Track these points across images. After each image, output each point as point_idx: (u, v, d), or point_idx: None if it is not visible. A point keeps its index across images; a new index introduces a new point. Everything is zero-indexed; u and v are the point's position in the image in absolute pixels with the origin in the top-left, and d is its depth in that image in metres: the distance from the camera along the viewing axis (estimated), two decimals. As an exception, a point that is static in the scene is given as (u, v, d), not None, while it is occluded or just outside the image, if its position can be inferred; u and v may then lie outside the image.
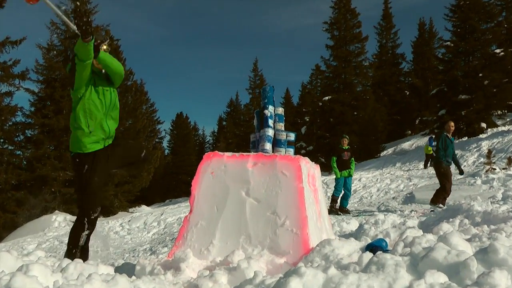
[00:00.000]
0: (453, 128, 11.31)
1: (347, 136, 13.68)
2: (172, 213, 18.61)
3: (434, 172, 20.48)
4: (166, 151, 65.17)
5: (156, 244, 11.60)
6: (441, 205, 9.93)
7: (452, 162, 11.14)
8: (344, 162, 13.15)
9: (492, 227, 4.00)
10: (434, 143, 23.96)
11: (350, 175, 13.30)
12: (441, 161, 10.95)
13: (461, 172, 11.93)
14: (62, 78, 28.76)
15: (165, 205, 30.50)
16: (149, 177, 31.99)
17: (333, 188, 13.69)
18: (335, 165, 13.17)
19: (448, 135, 11.08)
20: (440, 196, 10.66)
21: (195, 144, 69.29)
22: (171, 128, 67.41)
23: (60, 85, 28.54)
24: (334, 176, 13.73)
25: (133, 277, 3.10)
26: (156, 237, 13.56)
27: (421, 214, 9.66)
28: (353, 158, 13.53)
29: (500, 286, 2.00)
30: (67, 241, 4.28)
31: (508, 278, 2.08)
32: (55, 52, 30.16)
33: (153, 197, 42.35)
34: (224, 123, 67.71)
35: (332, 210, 12.87)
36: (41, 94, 29.37)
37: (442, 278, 2.21)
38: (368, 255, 2.79)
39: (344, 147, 13.22)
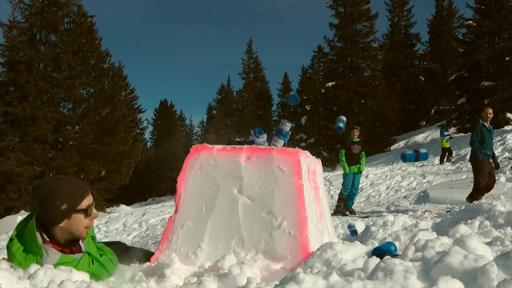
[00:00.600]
0: (491, 116, 11.10)
1: (358, 127, 13.70)
2: (155, 213, 18.66)
3: (450, 168, 20.70)
4: (149, 143, 65.39)
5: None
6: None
7: (490, 155, 11.01)
8: (353, 156, 13.19)
9: (516, 229, 4.04)
10: (446, 134, 24.06)
11: (359, 172, 13.36)
12: (477, 154, 10.82)
13: (497, 167, 11.65)
14: (27, 60, 28.54)
15: (147, 204, 30.59)
16: (129, 172, 32.00)
17: (340, 186, 13.75)
18: (344, 159, 13.20)
19: (485, 123, 10.90)
20: (475, 196, 10.51)
21: (181, 136, 69.34)
22: (154, 117, 67.53)
23: (25, 68, 28.30)
24: (338, 172, 13.79)
25: (111, 284, 3.12)
26: (137, 240, 13.61)
27: (436, 215, 9.71)
28: (363, 153, 13.57)
29: (522, 294, 2.03)
30: None
31: (531, 285, 2.12)
32: (18, 30, 29.78)
33: (133, 196, 42.43)
34: (214, 112, 67.70)
35: (338, 211, 12.95)
36: (3, 78, 29.04)
37: (458, 285, 2.24)
38: (375, 261, 2.82)
39: (354, 140, 13.28)
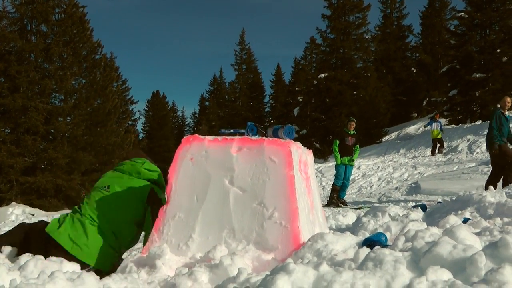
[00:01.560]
0: (509, 104, 11.01)
1: (354, 120, 13.65)
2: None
3: (442, 160, 20.77)
4: (141, 135, 65.08)
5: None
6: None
7: (507, 142, 10.87)
8: (346, 147, 13.21)
9: (506, 219, 4.06)
10: (433, 124, 24.11)
11: (351, 163, 13.35)
12: (494, 142, 10.66)
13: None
14: (18, 51, 28.40)
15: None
16: (121, 164, 31.85)
17: (332, 177, 13.76)
18: (337, 149, 13.21)
19: (504, 112, 10.84)
20: (491, 183, 10.20)
21: (173, 127, 69.31)
22: (146, 108, 67.37)
23: (16, 59, 28.13)
24: (330, 164, 13.82)
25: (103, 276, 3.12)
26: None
27: (427, 205, 9.76)
28: (358, 146, 13.59)
29: (510, 283, 2.04)
30: None
31: (518, 274, 2.13)
32: (8, 20, 29.60)
33: (125, 187, 42.25)
34: (207, 103, 67.63)
35: (332, 201, 12.99)
36: (-7, 69, 28.91)
37: (446, 275, 2.26)
38: (365, 251, 2.84)
39: (349, 132, 13.28)
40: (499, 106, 11.08)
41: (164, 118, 64.50)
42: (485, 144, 21.91)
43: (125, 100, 49.08)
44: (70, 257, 3.83)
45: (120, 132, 32.79)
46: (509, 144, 10.98)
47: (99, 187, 4.49)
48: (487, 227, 3.51)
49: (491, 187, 7.94)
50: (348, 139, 13.20)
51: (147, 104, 67.69)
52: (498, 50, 32.32)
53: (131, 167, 4.58)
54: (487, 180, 10.89)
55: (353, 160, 13.40)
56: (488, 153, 11.49)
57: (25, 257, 3.11)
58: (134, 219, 4.40)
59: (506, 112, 10.99)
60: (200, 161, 4.13)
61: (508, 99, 11.08)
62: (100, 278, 3.77)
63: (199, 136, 4.30)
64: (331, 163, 23.25)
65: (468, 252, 2.40)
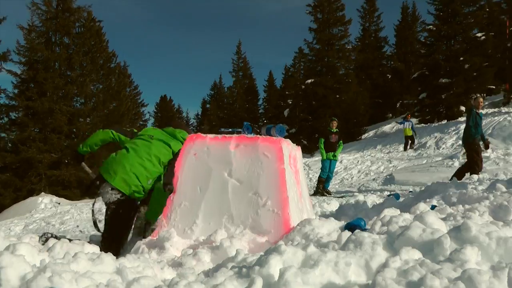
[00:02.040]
0: (482, 104, 10.91)
1: (336, 119, 13.61)
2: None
3: (413, 154, 20.79)
4: (150, 134, 64.87)
5: (142, 225, 11.61)
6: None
7: (480, 138, 10.79)
8: (330, 144, 13.18)
9: (467, 206, 4.07)
10: (405, 123, 24.18)
11: (335, 158, 13.35)
12: (474, 138, 10.61)
13: (487, 147, 11.48)
14: (44, 60, 28.45)
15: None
16: (133, 160, 31.91)
17: (318, 170, 13.74)
18: (323, 147, 13.20)
19: (478, 111, 10.71)
20: (463, 173, 10.27)
21: (179, 127, 69.03)
22: (155, 110, 67.27)
23: (43, 67, 28.24)
24: (316, 158, 13.80)
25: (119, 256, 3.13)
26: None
27: (400, 194, 9.76)
28: (341, 141, 13.57)
29: (471, 262, 2.06)
30: (53, 222, 4.47)
31: (478, 254, 2.15)
32: (36, 33, 29.67)
33: (138, 179, 42.15)
34: (208, 105, 67.41)
35: (318, 191, 12.99)
36: (24, 76, 28.95)
37: (417, 254, 2.27)
38: (347, 234, 2.85)
39: (332, 130, 13.24)
40: (473, 106, 11.02)
41: (170, 119, 64.12)
42: (450, 141, 22.14)
43: (137, 103, 48.94)
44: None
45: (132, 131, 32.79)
46: (480, 141, 10.99)
47: (143, 136, 4.81)
48: (451, 213, 3.52)
49: (455, 178, 7.96)
50: (331, 137, 13.17)
51: (156, 106, 67.62)
52: (461, 59, 32.42)
53: (172, 131, 4.83)
54: (459, 170, 10.89)
55: (336, 156, 13.39)
56: (464, 148, 11.45)
57: (52, 240, 3.11)
58: (163, 162, 4.53)
59: (480, 111, 10.92)
60: (202, 156, 4.15)
61: (481, 99, 10.97)
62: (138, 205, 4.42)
63: (202, 134, 4.32)
64: (317, 158, 23.23)
65: (436, 235, 2.41)
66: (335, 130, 13.26)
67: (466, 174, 10.36)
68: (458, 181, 7.07)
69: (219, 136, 4.30)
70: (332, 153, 13.19)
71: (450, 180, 8.82)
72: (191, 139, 4.28)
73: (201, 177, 4.09)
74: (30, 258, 2.39)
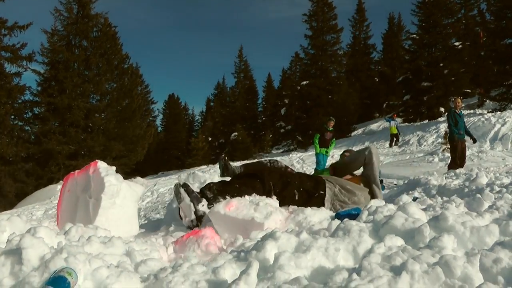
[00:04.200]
0: (460, 104, 10.85)
1: (333, 119, 13.55)
2: (164, 184, 18.63)
3: (397, 150, 20.81)
4: (159, 128, 64.88)
5: (150, 212, 11.63)
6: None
7: (465, 134, 10.83)
8: (324, 141, 13.17)
9: (445, 198, 4.08)
10: (391, 122, 24.19)
11: (327, 154, 13.33)
12: (453, 135, 10.65)
13: (474, 141, 11.56)
14: (65, 61, 28.55)
15: (158, 177, 30.38)
16: (143, 152, 32.03)
17: (313, 164, 13.72)
18: (317, 141, 13.19)
19: (456, 110, 10.70)
20: (452, 168, 10.13)
21: (185, 123, 68.93)
22: (163, 107, 66.96)
23: (63, 67, 28.37)
24: (310, 153, 13.81)
25: (129, 240, 3.12)
26: (150, 206, 13.57)
27: (386, 187, 9.75)
28: (334, 139, 13.58)
29: (447, 248, 2.06)
30: None
31: (455, 241, 2.15)
32: (58, 36, 29.80)
33: (147, 170, 42.20)
34: (212, 103, 67.32)
35: None
36: (47, 75, 29.14)
37: (399, 241, 2.27)
38: (336, 222, 2.84)
39: (328, 128, 13.24)
40: (452, 106, 11.03)
41: (178, 115, 64.11)
42: (430, 138, 22.18)
43: (147, 101, 48.98)
44: None
45: (143, 126, 33.03)
46: (467, 137, 11.00)
47: None
48: (431, 204, 3.52)
49: (435, 173, 7.96)
50: (326, 134, 13.17)
51: (164, 104, 67.25)
52: (441, 65, 32.69)
53: None
54: (448, 166, 10.95)
55: (328, 152, 13.36)
56: (449, 145, 11.53)
57: (69, 225, 3.10)
58: None
59: (459, 111, 10.88)
60: (73, 190, 4.05)
61: (459, 100, 10.97)
62: None
63: (72, 172, 4.18)
64: (311, 152, 23.23)
65: (416, 224, 2.41)
66: (331, 129, 13.26)
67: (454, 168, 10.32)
68: (437, 175, 7.07)
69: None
70: (325, 149, 13.18)
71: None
72: (66, 180, 4.12)
73: (72, 207, 3.96)
74: (49, 240, 2.38)
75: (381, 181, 9.82)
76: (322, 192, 4.18)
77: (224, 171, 4.63)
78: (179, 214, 4.05)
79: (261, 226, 3.36)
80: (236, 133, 44.19)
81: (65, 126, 28.17)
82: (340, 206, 4.19)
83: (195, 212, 3.81)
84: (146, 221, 8.25)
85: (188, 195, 3.91)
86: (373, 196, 4.48)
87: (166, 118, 65.09)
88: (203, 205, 3.85)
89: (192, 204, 3.84)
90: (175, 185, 4.08)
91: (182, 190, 3.94)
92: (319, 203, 4.09)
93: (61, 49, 28.63)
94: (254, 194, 3.92)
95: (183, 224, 3.91)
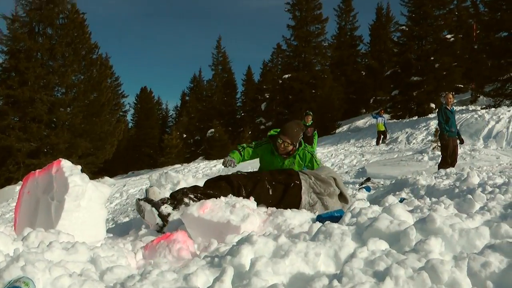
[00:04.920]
0: (451, 100, 10.85)
1: (311, 113, 13.62)
2: (134, 184, 18.51)
3: (385, 149, 20.98)
4: (130, 124, 64.31)
5: (118, 215, 11.54)
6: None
7: (455, 132, 10.87)
8: (307, 138, 13.05)
9: (434, 199, 4.12)
10: (378, 118, 24.33)
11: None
12: (443, 133, 10.73)
13: (462, 142, 11.51)
14: (27, 50, 28.07)
15: (128, 177, 30.23)
16: (112, 149, 31.68)
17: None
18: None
19: (448, 106, 10.74)
20: (442, 167, 10.06)
21: (158, 118, 68.58)
22: (135, 102, 66.41)
23: (25, 57, 27.87)
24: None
25: (94, 246, 3.09)
26: (118, 208, 13.48)
27: (371, 187, 9.82)
28: (316, 132, 13.57)
29: (434, 252, 2.08)
30: None
31: (442, 245, 2.18)
32: (19, 23, 29.27)
33: (116, 169, 41.89)
34: (187, 98, 67.04)
35: None
36: (6, 65, 28.54)
37: (384, 245, 2.29)
38: (317, 225, 2.86)
39: (307, 124, 13.21)
40: (443, 102, 11.07)
41: (150, 110, 63.62)
42: (420, 136, 22.41)
43: (117, 94, 48.57)
44: None
45: (112, 121, 32.67)
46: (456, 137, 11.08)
47: None
48: (418, 205, 3.55)
49: (424, 172, 8.04)
50: (307, 131, 13.09)
51: (136, 97, 66.65)
52: (432, 58, 33.03)
53: None
54: (438, 165, 11.02)
55: (313, 149, 13.34)
56: (439, 143, 11.63)
57: (28, 229, 3.06)
58: None
59: (451, 107, 10.94)
60: (33, 191, 4.00)
61: (450, 96, 10.95)
62: None
63: (33, 172, 4.14)
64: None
65: (402, 226, 2.43)
66: (309, 124, 13.29)
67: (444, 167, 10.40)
68: (426, 175, 7.15)
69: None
70: (309, 147, 13.15)
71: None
72: (25, 180, 4.08)
73: (32, 210, 3.89)
74: (4, 247, 2.35)
75: (368, 180, 9.93)
76: (298, 182, 4.25)
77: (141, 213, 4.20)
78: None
79: (237, 229, 3.35)
80: (213, 130, 44.14)
81: (26, 121, 27.72)
82: (318, 198, 4.26)
83: (159, 214, 3.90)
84: (114, 225, 8.18)
85: (149, 203, 4.03)
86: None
87: (138, 113, 64.60)
88: (166, 207, 3.96)
89: (153, 209, 3.93)
90: (136, 201, 4.19)
91: (142, 202, 4.03)
92: (297, 195, 4.17)
93: (23, 37, 28.05)
94: (230, 195, 3.96)
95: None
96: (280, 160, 5.25)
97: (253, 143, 5.50)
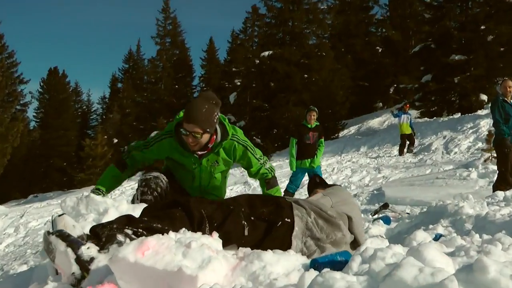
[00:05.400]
0: (510, 89, 10.79)
1: (315, 109, 12.96)
2: (38, 214, 18.36)
3: (412, 160, 21.14)
4: (32, 123, 63.97)
5: (11, 261, 11.36)
6: None
7: None
8: (307, 147, 12.72)
9: (486, 237, 4.13)
10: (402, 116, 24.40)
11: (312, 167, 12.76)
12: (503, 138, 10.62)
13: None
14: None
15: (28, 202, 30.05)
16: (4, 160, 31.28)
17: (286, 179, 13.41)
18: (293, 152, 12.71)
19: (507, 99, 10.72)
20: (500, 188, 9.80)
21: (75, 115, 68.37)
22: (40, 90, 65.97)
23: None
24: (275, 164, 13.62)
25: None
26: (12, 250, 13.30)
27: (392, 218, 9.87)
28: (322, 140, 13.04)
29: (487, 317, 2.07)
30: None
31: (498, 305, 2.17)
32: None
33: (9, 191, 41.59)
34: (120, 85, 66.92)
35: None
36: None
37: (410, 306, 2.28)
38: (312, 274, 2.83)
39: (310, 125, 12.72)
40: (500, 92, 11.06)
41: (63, 102, 63.25)
42: (465, 142, 22.60)
43: (12, 79, 48.16)
44: None
45: (4, 119, 32.23)
46: None
47: None
48: (462, 245, 3.55)
49: (471, 196, 8.05)
50: (308, 136, 12.64)
51: (41, 84, 66.25)
52: (482, 27, 32.78)
53: None
54: (493, 186, 11.03)
55: (315, 163, 12.80)
56: (495, 153, 11.66)
57: None
58: None
59: (511, 99, 10.92)
60: None
61: (510, 83, 10.89)
62: None
63: None
64: (276, 163, 23.29)
65: (437, 277, 2.41)
66: (314, 126, 12.77)
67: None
68: (474, 200, 7.19)
69: None
70: (309, 160, 12.66)
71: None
72: None
73: None
74: None
75: (386, 206, 10.00)
76: (289, 220, 4.12)
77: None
78: (56, 272, 3.94)
79: (193, 280, 3.31)
80: (158, 132, 44.08)
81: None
82: (316, 246, 4.17)
83: (77, 259, 3.72)
84: (2, 278, 8.07)
85: (63, 240, 3.81)
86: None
87: (45, 107, 64.23)
88: (88, 248, 3.77)
89: (69, 250, 3.74)
90: (44, 234, 4.00)
91: (52, 237, 3.82)
92: (284, 240, 4.06)
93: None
94: (183, 229, 3.87)
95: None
96: (194, 161, 5.10)
97: (148, 139, 5.37)
